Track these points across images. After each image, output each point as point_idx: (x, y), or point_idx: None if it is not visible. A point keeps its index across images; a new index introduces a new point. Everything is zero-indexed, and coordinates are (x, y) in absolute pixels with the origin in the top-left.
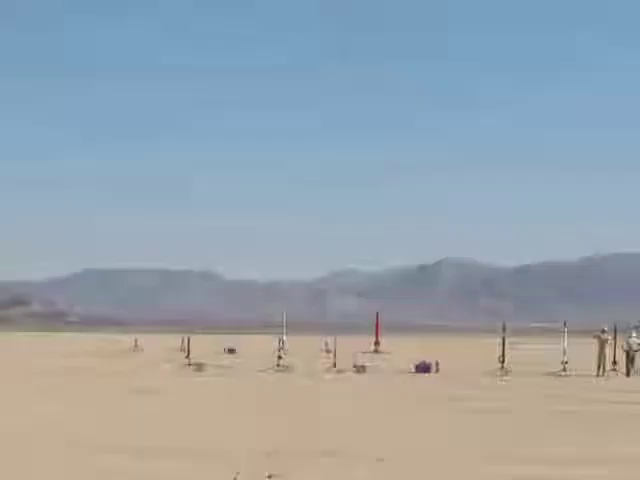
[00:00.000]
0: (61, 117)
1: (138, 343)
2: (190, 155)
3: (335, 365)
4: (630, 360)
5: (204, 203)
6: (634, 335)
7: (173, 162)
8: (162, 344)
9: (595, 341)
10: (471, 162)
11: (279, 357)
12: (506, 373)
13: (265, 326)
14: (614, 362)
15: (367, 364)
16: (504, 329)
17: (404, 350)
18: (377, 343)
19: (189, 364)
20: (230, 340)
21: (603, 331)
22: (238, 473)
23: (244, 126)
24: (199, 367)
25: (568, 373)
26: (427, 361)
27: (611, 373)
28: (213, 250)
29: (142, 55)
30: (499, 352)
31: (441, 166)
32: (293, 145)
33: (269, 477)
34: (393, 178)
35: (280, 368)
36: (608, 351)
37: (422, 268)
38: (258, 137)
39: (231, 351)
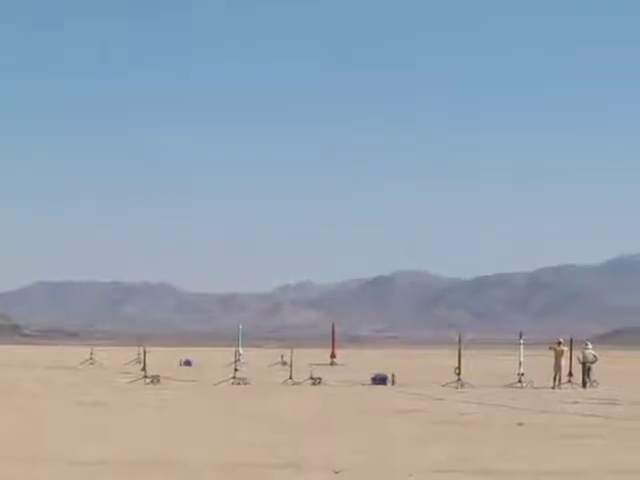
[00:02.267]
0: None
1: (93, 356)
2: (138, 163)
3: (291, 377)
4: (586, 372)
5: (159, 214)
6: (590, 347)
7: (123, 171)
8: (118, 357)
9: (551, 353)
10: (425, 172)
11: (235, 369)
12: (462, 385)
13: (221, 338)
14: (570, 374)
15: (323, 376)
16: (460, 341)
17: (360, 362)
18: (333, 356)
19: (145, 377)
20: (186, 352)
21: (559, 343)
22: None
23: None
24: (155, 380)
25: (524, 385)
26: (383, 373)
27: (567, 385)
28: (168, 262)
29: None
30: (455, 364)
31: (401, 175)
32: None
33: None
34: (348, 190)
35: (236, 380)
36: (564, 363)
37: (377, 280)
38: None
39: (187, 363)
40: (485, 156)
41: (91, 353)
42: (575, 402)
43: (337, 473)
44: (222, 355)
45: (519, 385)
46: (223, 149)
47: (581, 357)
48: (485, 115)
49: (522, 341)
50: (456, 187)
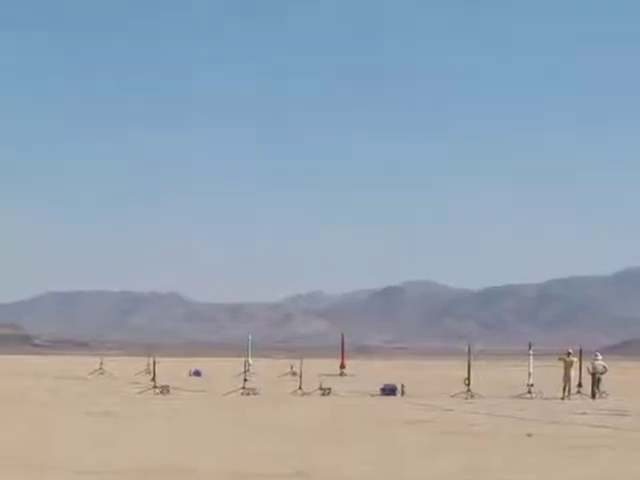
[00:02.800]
0: None
1: (103, 366)
2: (144, 172)
3: (301, 387)
4: (595, 383)
5: (168, 223)
6: (599, 357)
7: (136, 183)
8: (128, 367)
9: (560, 363)
10: (434, 181)
11: (245, 380)
12: (472, 395)
13: (230, 348)
14: (579, 384)
15: (333, 387)
16: (469, 351)
17: (369, 372)
18: (343, 366)
19: (154, 387)
20: (195, 363)
21: (569, 354)
22: None
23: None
24: (164, 390)
25: (533, 395)
26: (393, 384)
27: (576, 395)
28: (177, 272)
29: None
30: (465, 374)
31: (410, 184)
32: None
33: None
34: (358, 199)
35: (246, 391)
36: (573, 373)
37: (387, 290)
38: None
39: (197, 374)
40: (492, 165)
41: (101, 363)
42: (584, 413)
43: None
44: (231, 365)
45: (528, 396)
46: (233, 157)
47: (591, 368)
48: (488, 121)
49: (531, 352)
50: (465, 196)
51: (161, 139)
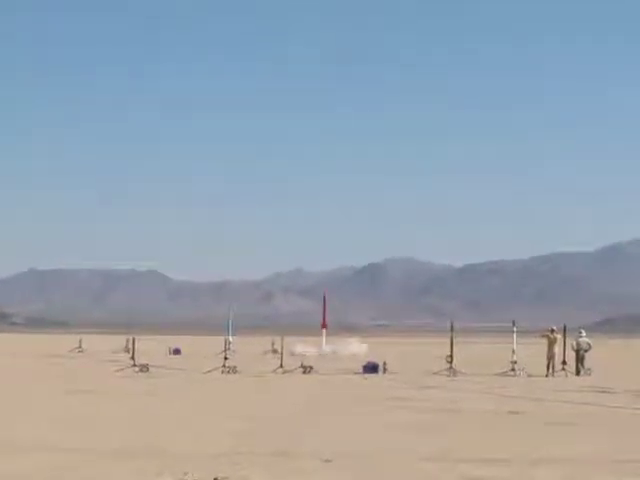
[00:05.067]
0: None
1: (82, 344)
2: (138, 151)
3: (282, 366)
4: (580, 360)
5: (149, 201)
6: (583, 334)
7: (111, 158)
8: (107, 345)
9: (544, 340)
10: (416, 161)
11: (225, 358)
12: (455, 373)
13: (212, 327)
14: (564, 362)
15: (314, 365)
16: (452, 328)
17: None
18: (324, 326)
19: (133, 365)
20: (176, 341)
21: (552, 330)
22: (186, 473)
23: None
24: (143, 368)
25: (517, 373)
26: (375, 361)
27: (561, 373)
28: (159, 250)
29: None
30: (447, 352)
31: (383, 168)
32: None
33: None
34: (339, 178)
35: (226, 369)
36: (557, 350)
37: (368, 268)
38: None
39: (176, 352)
40: (477, 146)
41: (80, 341)
42: (568, 390)
43: (327, 462)
44: (212, 344)
45: (512, 373)
46: (215, 141)
47: (575, 345)
48: (480, 110)
49: (515, 329)
50: (449, 173)
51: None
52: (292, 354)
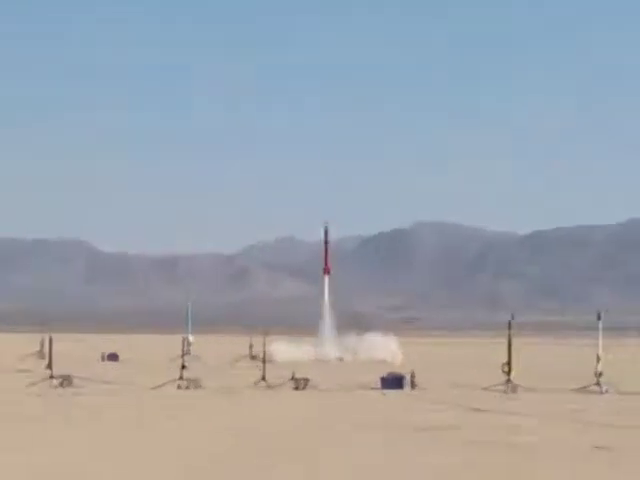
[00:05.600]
0: None
1: None
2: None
3: (264, 378)
4: None
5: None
6: None
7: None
8: (13, 348)
9: None
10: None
11: (183, 366)
12: (514, 389)
13: (161, 320)
14: None
15: (311, 377)
16: (511, 324)
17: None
18: (327, 271)
19: (51, 377)
20: (111, 341)
21: None
22: None
23: None
24: (65, 381)
25: (604, 389)
26: (398, 372)
27: None
28: (81, 214)
29: None
30: (504, 358)
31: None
32: None
33: None
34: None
35: (185, 383)
36: None
37: (385, 236)
38: None
39: (112, 358)
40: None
41: None
42: None
43: None
44: (164, 345)
45: (597, 389)
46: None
47: None
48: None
49: (601, 324)
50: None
51: None
52: (270, 360)
